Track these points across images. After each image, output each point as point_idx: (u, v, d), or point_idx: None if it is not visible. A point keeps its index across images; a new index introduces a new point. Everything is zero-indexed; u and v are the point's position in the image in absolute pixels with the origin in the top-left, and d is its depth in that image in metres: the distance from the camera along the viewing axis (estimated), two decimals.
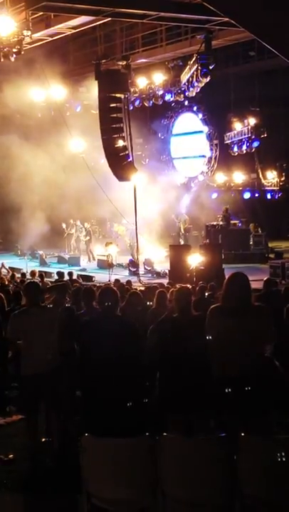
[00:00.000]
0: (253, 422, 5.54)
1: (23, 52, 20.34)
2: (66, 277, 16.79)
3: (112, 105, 23.90)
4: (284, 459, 4.42)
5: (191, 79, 25.73)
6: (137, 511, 4.93)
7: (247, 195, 31.46)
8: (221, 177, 31.87)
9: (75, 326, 7.07)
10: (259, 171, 31.93)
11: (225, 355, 5.76)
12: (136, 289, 13.34)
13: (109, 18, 21.77)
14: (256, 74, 30.11)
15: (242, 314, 5.71)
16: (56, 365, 7.03)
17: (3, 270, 21.79)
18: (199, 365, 6.12)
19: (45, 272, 20.68)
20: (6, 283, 16.21)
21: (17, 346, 7.26)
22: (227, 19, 18.34)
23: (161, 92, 27.35)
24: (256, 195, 31.80)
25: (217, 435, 4.92)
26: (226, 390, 5.69)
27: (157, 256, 26.12)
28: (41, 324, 7.01)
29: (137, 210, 23.72)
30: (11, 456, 6.94)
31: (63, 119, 26.65)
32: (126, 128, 23.86)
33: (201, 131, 31.64)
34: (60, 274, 17.29)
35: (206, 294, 12.52)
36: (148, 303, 10.09)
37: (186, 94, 26.92)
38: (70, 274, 17.87)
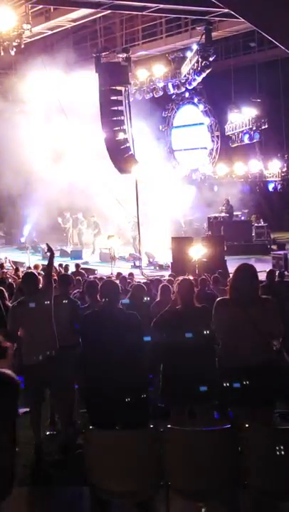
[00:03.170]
0: (258, 412, 5.55)
1: (23, 46, 20.32)
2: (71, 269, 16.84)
3: (112, 98, 23.87)
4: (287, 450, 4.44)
5: (191, 71, 25.71)
6: (141, 502, 4.96)
7: (248, 187, 31.43)
8: (222, 168, 31.84)
9: (79, 320, 7.14)
10: (261, 162, 31.86)
11: (231, 346, 5.76)
12: (139, 281, 13.36)
13: (109, 11, 21.73)
14: (257, 65, 30.03)
15: (249, 305, 5.70)
16: (58, 355, 7.10)
17: (7, 264, 21.77)
18: (202, 356, 6.15)
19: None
20: (9, 277, 16.20)
21: (18, 338, 7.29)
22: (227, 10, 18.33)
23: (161, 84, 27.31)
24: (257, 186, 31.76)
25: (221, 426, 4.93)
26: (231, 381, 5.68)
27: (159, 248, 26.12)
28: (40, 313, 7.12)
29: (138, 203, 23.71)
30: (16, 449, 6.96)
31: (64, 111, 26.57)
32: (127, 120, 23.83)
33: (202, 123, 31.60)
34: (65, 267, 17.32)
35: (210, 286, 12.54)
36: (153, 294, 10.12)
37: (187, 86, 26.88)
38: (78, 266, 18.06)
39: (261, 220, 27.29)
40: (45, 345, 7.06)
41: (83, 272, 15.57)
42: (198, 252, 20.39)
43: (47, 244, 8.45)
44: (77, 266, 17.91)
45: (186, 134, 32.16)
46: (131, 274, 16.82)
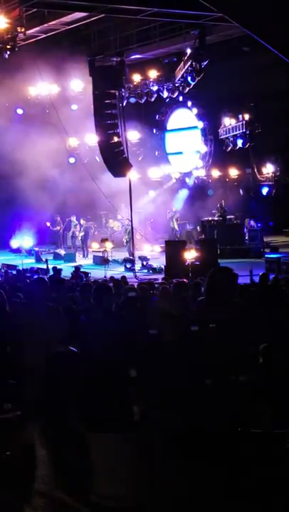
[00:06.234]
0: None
1: (17, 49, 20.31)
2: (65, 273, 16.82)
3: (106, 101, 23.92)
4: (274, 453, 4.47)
5: (185, 74, 25.76)
6: (135, 506, 4.95)
7: (241, 191, 31.50)
8: (216, 172, 31.88)
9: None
10: (254, 166, 31.90)
11: (210, 348, 5.62)
12: (132, 285, 13.37)
13: (103, 14, 21.75)
14: (250, 69, 30.07)
15: (224, 310, 5.42)
16: (58, 362, 7.07)
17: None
18: (187, 358, 6.14)
19: (41, 269, 20.70)
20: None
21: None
22: (220, 14, 18.39)
23: (155, 88, 27.36)
24: (251, 190, 31.81)
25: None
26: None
27: (153, 252, 26.18)
28: (44, 319, 7.09)
29: (132, 206, 23.76)
30: (8, 453, 6.95)
31: (58, 115, 26.57)
32: (120, 124, 23.87)
33: (195, 127, 31.61)
34: (57, 270, 17.32)
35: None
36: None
37: (181, 89, 26.92)
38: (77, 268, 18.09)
39: (255, 223, 27.34)
40: (46, 353, 7.01)
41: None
42: (191, 255, 20.44)
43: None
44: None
45: (180, 137, 32.19)
46: (124, 278, 16.83)
